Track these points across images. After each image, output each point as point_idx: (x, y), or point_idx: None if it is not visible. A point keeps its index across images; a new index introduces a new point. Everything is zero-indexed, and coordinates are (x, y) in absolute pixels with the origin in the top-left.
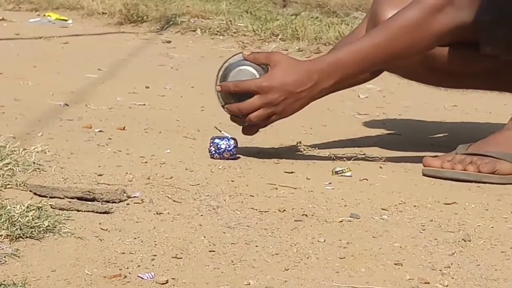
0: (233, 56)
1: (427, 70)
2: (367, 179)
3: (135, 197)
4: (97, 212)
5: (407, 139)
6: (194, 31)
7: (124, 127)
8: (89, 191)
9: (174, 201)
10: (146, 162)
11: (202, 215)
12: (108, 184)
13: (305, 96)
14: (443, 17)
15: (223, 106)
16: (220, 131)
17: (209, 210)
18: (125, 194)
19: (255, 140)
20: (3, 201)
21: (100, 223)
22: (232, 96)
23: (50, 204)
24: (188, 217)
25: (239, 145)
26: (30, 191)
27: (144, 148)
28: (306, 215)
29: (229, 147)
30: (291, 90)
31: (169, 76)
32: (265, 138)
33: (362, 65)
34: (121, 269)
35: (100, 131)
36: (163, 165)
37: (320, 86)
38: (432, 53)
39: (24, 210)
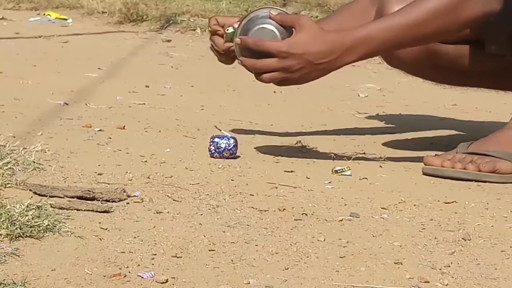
0: (260, 8)
1: (432, 67)
2: (367, 178)
3: (135, 196)
4: (97, 211)
5: (407, 138)
6: (194, 30)
7: (124, 126)
8: (89, 190)
9: (174, 200)
10: (146, 161)
11: (202, 214)
12: (108, 183)
13: (324, 68)
14: (475, 4)
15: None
16: (220, 130)
17: (209, 209)
18: (125, 193)
19: (255, 139)
20: (3, 200)
21: (100, 222)
22: (249, 51)
23: (50, 203)
24: (188, 216)
25: (239, 144)
26: (30, 190)
27: (144, 147)
28: (306, 214)
29: (229, 146)
30: (311, 60)
31: (169, 75)
32: (265, 137)
33: (389, 44)
34: (121, 268)
35: (100, 130)
36: (163, 164)
37: (341, 61)
38: (438, 50)
39: (24, 209)
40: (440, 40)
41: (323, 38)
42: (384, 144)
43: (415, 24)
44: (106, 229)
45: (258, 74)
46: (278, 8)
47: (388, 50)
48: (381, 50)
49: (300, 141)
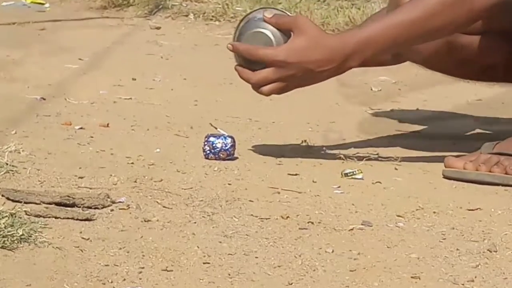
0: (256, 10)
1: (455, 61)
2: (380, 182)
3: (120, 202)
4: (77, 220)
5: (425, 137)
6: (186, 16)
7: (107, 124)
8: (68, 196)
9: (164, 207)
10: (132, 163)
11: (195, 223)
12: (90, 188)
13: (327, 75)
14: None
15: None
16: (216, 128)
17: (203, 217)
18: (108, 199)
19: (255, 138)
20: None
21: (81, 232)
22: (244, 59)
23: (25, 211)
24: (180, 225)
25: (237, 144)
26: (3, 195)
27: (130, 147)
28: (312, 223)
29: (226, 146)
30: (312, 69)
31: (158, 66)
32: (266, 136)
33: (394, 42)
34: (104, 283)
35: (81, 128)
36: (152, 166)
37: (345, 66)
38: (460, 42)
39: None
40: (450, 34)
41: (324, 43)
42: (400, 143)
43: (422, 19)
44: (88, 239)
45: (256, 87)
46: (276, 8)
47: (395, 48)
48: (387, 49)
49: (305, 141)
